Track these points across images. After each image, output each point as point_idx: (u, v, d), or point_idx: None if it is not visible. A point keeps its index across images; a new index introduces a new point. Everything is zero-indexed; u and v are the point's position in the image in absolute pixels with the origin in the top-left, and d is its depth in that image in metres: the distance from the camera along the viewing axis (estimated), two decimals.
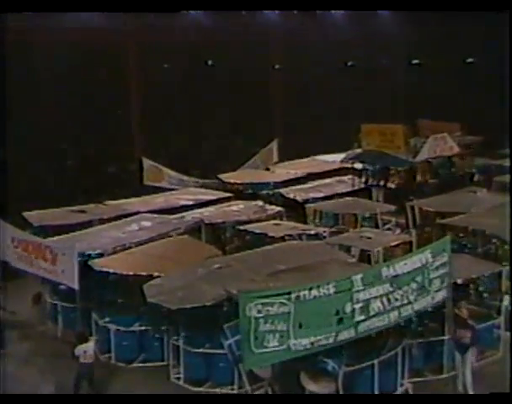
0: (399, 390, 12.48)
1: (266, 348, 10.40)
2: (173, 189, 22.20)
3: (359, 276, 11.10)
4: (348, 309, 10.95)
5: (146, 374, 13.51)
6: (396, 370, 12.50)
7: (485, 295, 14.78)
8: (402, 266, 11.54)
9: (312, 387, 11.70)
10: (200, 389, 12.91)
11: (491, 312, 14.30)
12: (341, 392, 11.71)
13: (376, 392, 12.03)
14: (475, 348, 12.71)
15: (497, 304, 14.51)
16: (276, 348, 10.48)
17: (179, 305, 12.40)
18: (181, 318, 12.98)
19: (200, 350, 12.93)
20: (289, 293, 10.50)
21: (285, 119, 31.11)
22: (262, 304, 10.31)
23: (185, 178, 23.76)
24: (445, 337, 13.07)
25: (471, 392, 12.43)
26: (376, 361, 12.04)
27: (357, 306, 11.01)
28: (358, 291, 11.01)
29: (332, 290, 10.79)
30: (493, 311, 14.35)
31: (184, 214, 18.50)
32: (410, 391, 12.57)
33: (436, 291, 12.01)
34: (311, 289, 10.64)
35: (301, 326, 10.60)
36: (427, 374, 13.21)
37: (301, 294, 10.57)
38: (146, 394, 11.86)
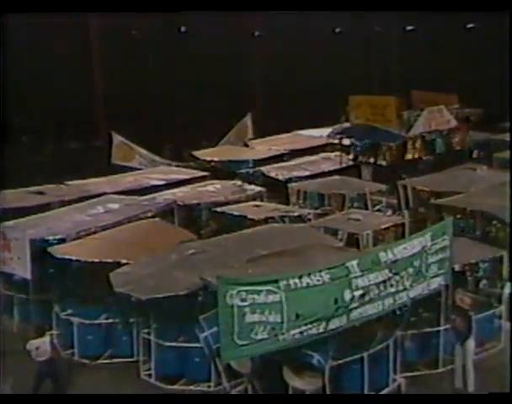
0: (391, 386, 12.55)
1: (253, 340, 10.39)
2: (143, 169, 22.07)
3: (354, 262, 11.11)
4: (347, 296, 10.99)
5: (114, 371, 13.43)
6: (387, 364, 12.54)
7: (484, 281, 14.90)
8: (402, 250, 11.58)
9: (296, 383, 11.72)
10: (174, 386, 12.88)
11: (491, 301, 14.40)
12: (328, 388, 11.72)
13: (366, 388, 12.08)
14: (473, 339, 12.76)
15: (497, 291, 14.62)
16: (263, 340, 10.48)
17: (150, 294, 12.34)
18: (152, 309, 12.92)
19: (173, 344, 12.87)
20: (276, 281, 10.49)
21: (266, 92, 31.05)
22: (246, 291, 10.29)
23: (157, 158, 23.61)
24: (441, 328, 13.15)
25: (471, 388, 12.52)
26: (365, 354, 12.05)
27: (357, 294, 11.05)
28: (356, 277, 11.05)
29: (326, 278, 10.80)
30: (494, 300, 14.46)
31: (154, 195, 18.44)
32: (403, 387, 12.63)
33: (433, 277, 12.08)
34: (301, 277, 10.65)
35: (298, 317, 10.61)
36: (421, 368, 13.28)
37: (291, 282, 10.56)
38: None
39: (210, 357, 12.26)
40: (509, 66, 20.78)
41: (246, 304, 10.30)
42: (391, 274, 11.39)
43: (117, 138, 23.70)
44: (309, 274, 10.68)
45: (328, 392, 11.71)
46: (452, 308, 13.22)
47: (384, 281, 11.36)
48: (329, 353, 11.76)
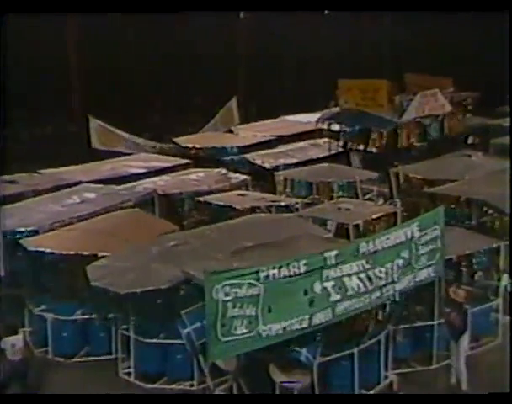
0: (382, 383, 12.59)
1: (234, 335, 10.40)
2: (126, 154, 21.95)
3: (333, 252, 11.13)
4: (317, 288, 10.98)
5: (91, 369, 13.38)
6: (378, 360, 12.58)
7: (480, 273, 14.96)
8: (384, 241, 11.59)
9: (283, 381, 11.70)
10: (154, 385, 12.86)
11: (487, 293, 14.47)
12: (316, 386, 11.74)
13: (356, 385, 12.11)
14: (468, 334, 12.81)
15: (494, 284, 14.69)
16: (245, 336, 10.49)
17: (129, 289, 12.31)
18: (131, 304, 12.87)
19: (154, 340, 12.83)
20: (257, 272, 10.50)
21: (251, 75, 30.97)
22: (230, 285, 10.30)
23: (140, 140, 23.49)
24: (435, 323, 13.20)
25: (464, 385, 12.57)
26: (355, 350, 12.08)
27: (328, 285, 11.04)
28: (329, 268, 11.06)
29: (303, 269, 10.82)
30: (490, 293, 14.53)
31: (134, 183, 18.37)
32: (395, 384, 12.68)
33: (420, 269, 12.09)
34: (280, 267, 10.67)
35: (270, 310, 10.61)
36: (414, 364, 13.34)
37: (270, 273, 10.59)
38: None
39: (192, 354, 12.23)
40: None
41: (229, 298, 10.33)
42: (369, 265, 11.39)
43: (94, 122, 23.55)
44: (288, 264, 10.72)
45: (316, 390, 11.72)
46: (447, 302, 13.27)
47: (363, 272, 11.35)
48: (318, 349, 11.79)
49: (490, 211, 16.50)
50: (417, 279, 12.11)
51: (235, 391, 12.05)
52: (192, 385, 12.71)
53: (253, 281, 10.46)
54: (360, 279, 11.37)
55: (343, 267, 11.17)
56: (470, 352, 13.06)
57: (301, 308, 10.89)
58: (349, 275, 11.25)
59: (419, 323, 13.26)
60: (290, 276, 10.72)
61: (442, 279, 12.92)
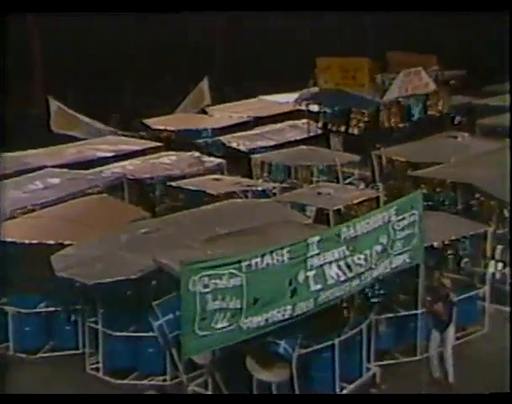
0: (365, 375, 12.66)
1: (214, 329, 10.36)
2: (86, 139, 21.78)
3: (315, 238, 11.14)
4: (301, 277, 10.99)
5: (56, 365, 13.32)
6: (360, 352, 12.65)
7: (466, 260, 15.08)
8: (364, 225, 11.63)
9: (261, 374, 11.75)
10: (124, 381, 12.84)
11: (473, 281, 14.59)
12: (296, 379, 11.78)
13: (337, 378, 12.17)
14: (454, 325, 12.90)
15: (480, 271, 14.81)
16: (225, 330, 10.46)
17: (97, 279, 12.25)
18: (99, 295, 12.83)
19: (124, 334, 12.80)
20: (239, 261, 10.45)
21: (225, 53, 30.85)
22: (208, 276, 10.22)
23: (102, 126, 23.27)
24: (419, 312, 13.28)
25: (451, 378, 12.67)
26: (336, 341, 12.13)
27: (311, 274, 11.07)
28: (312, 256, 11.07)
29: (286, 257, 10.82)
30: (476, 280, 14.65)
31: (101, 168, 18.26)
32: (378, 376, 12.77)
33: (396, 255, 12.14)
34: (263, 255, 10.63)
35: (255, 302, 10.59)
36: (397, 355, 13.42)
37: (253, 262, 10.54)
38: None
39: (165, 347, 12.23)
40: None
41: (208, 290, 10.24)
42: (349, 252, 11.42)
43: (54, 104, 23.29)
44: (271, 252, 10.69)
45: (295, 383, 11.76)
46: (432, 290, 13.36)
47: (343, 259, 11.39)
48: (297, 341, 11.80)
49: (477, 195, 16.59)
50: (393, 265, 12.14)
51: (210, 386, 12.06)
52: (165, 380, 12.71)
53: (234, 271, 10.39)
54: (340, 266, 11.39)
55: (325, 254, 11.19)
56: (456, 342, 13.15)
57: (284, 298, 10.88)
58: (331, 263, 11.28)
59: (403, 312, 13.33)
60: (274, 265, 10.70)
61: (422, 266, 13.01)
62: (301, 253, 11.00)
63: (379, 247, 11.79)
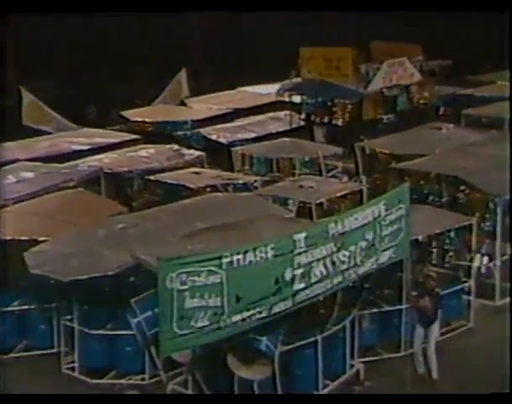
0: (348, 372, 12.72)
1: (193, 328, 10.33)
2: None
3: (302, 235, 11.10)
4: (288, 276, 10.96)
5: (30, 365, 13.28)
6: (343, 348, 12.71)
7: (451, 254, 15.17)
8: (353, 221, 11.62)
9: (242, 372, 11.76)
10: (101, 380, 12.83)
11: (458, 275, 14.69)
12: (278, 376, 11.81)
13: (320, 375, 12.22)
14: (439, 321, 12.98)
15: (465, 264, 14.91)
16: (204, 329, 10.43)
17: (73, 276, 12.22)
18: (75, 293, 12.80)
19: (101, 332, 12.79)
20: (219, 258, 10.40)
21: (204, 41, 30.75)
22: (186, 273, 10.18)
23: (73, 126, 23.05)
24: (403, 307, 13.36)
25: (435, 374, 12.75)
26: (319, 337, 12.18)
27: (298, 272, 11.04)
28: (300, 254, 11.04)
29: (270, 254, 10.76)
30: (461, 274, 14.75)
31: (77, 161, 18.18)
32: (361, 373, 12.83)
33: (383, 250, 12.16)
34: (246, 252, 10.58)
35: (238, 300, 10.56)
36: (381, 351, 13.51)
37: (235, 258, 10.49)
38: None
39: (143, 345, 12.22)
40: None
41: (186, 287, 10.20)
42: (336, 248, 11.42)
43: (27, 96, 23.11)
44: (254, 249, 10.65)
45: (278, 380, 11.79)
46: (417, 285, 13.43)
47: (329, 256, 11.39)
48: (279, 337, 11.83)
49: (462, 187, 16.69)
50: (379, 262, 12.17)
51: (190, 384, 12.07)
52: (143, 379, 12.73)
53: (213, 268, 10.34)
54: (326, 263, 11.37)
55: (313, 251, 11.16)
56: (440, 338, 13.24)
57: (269, 297, 10.84)
58: (319, 260, 11.25)
59: (387, 308, 13.40)
60: (257, 262, 10.65)
61: (408, 261, 13.07)
62: (287, 250, 10.95)
63: (366, 243, 11.78)
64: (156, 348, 11.84)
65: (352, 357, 12.89)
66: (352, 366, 12.85)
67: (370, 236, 11.84)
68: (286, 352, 11.96)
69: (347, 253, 11.58)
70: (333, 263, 11.46)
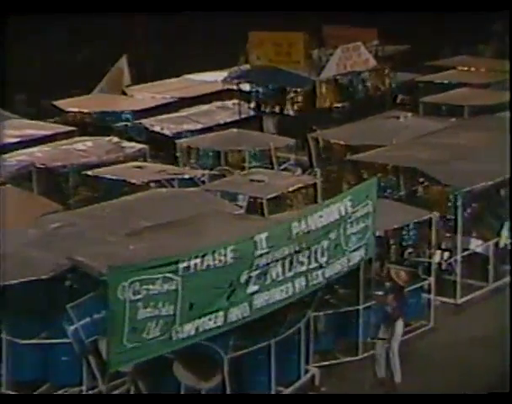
0: (303, 378, 12.73)
1: (144, 340, 10.23)
2: None
3: (264, 235, 11.00)
4: (243, 278, 10.91)
5: None
6: (298, 352, 12.72)
7: (410, 250, 15.29)
8: (317, 219, 11.58)
9: (189, 381, 11.69)
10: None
11: (417, 272, 14.82)
12: (228, 385, 11.76)
13: (273, 382, 12.21)
14: (403, 321, 13.06)
15: (425, 261, 15.05)
16: (156, 340, 10.34)
17: (2, 280, 11.91)
18: (4, 299, 12.45)
19: (33, 341, 12.55)
20: (176, 262, 10.29)
21: (147, 27, 30.53)
22: (140, 281, 10.04)
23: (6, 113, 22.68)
24: (361, 307, 13.43)
25: (398, 376, 12.82)
26: (272, 341, 12.16)
27: (254, 274, 11.00)
28: (261, 255, 10.97)
29: (230, 256, 10.69)
30: (421, 271, 14.89)
31: (5, 155, 17.86)
32: (317, 378, 12.85)
33: (353, 251, 12.18)
34: (204, 256, 10.49)
35: (191, 308, 10.48)
36: (338, 355, 13.56)
37: (192, 263, 10.39)
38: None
39: (81, 354, 12.06)
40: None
41: (139, 297, 10.09)
42: (301, 249, 11.39)
43: None
44: (213, 252, 10.57)
45: (228, 388, 11.75)
46: (379, 283, 13.51)
47: (294, 258, 11.36)
48: (229, 343, 11.78)
49: (421, 179, 16.84)
50: (350, 263, 12.21)
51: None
52: (81, 391, 12.52)
53: (169, 274, 10.23)
54: (287, 265, 11.33)
55: (275, 253, 11.10)
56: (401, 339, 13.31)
57: (222, 302, 10.79)
58: (279, 261, 11.20)
59: (344, 308, 13.45)
60: (215, 266, 10.56)
61: (373, 260, 13.15)
62: (248, 252, 10.87)
63: (326, 243, 11.75)
64: (94, 357, 11.73)
65: (307, 362, 12.90)
66: (307, 371, 12.85)
67: (333, 235, 11.81)
68: (237, 358, 11.91)
69: (311, 254, 11.55)
70: (296, 265, 11.41)
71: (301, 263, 11.52)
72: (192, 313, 10.54)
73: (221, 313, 10.84)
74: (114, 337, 10.13)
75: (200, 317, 10.65)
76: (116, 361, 10.38)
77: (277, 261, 11.20)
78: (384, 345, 12.95)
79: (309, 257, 11.60)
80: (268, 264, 11.10)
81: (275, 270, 11.27)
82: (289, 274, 11.43)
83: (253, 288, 11.09)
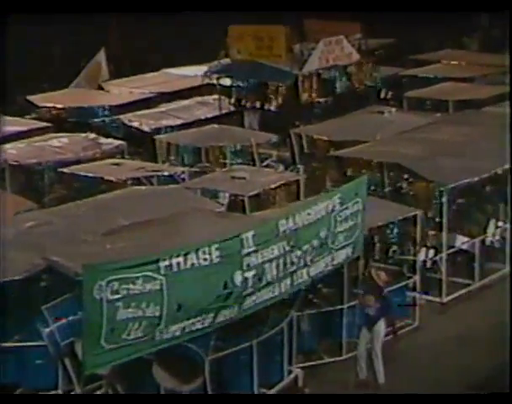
0: (286, 379, 12.72)
1: (124, 341, 10.16)
2: None
3: (250, 233, 10.98)
4: (238, 279, 10.86)
5: None
6: (281, 353, 12.70)
7: (395, 248, 15.31)
8: (305, 217, 11.56)
9: (169, 383, 11.65)
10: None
11: (402, 270, 14.84)
12: (209, 386, 11.73)
13: (256, 383, 12.18)
14: (384, 320, 13.07)
15: (410, 259, 15.07)
16: (137, 341, 10.27)
17: None
18: None
19: (7, 344, 12.42)
20: (156, 261, 10.22)
21: (124, 20, 30.40)
22: (118, 280, 9.95)
23: None
24: (345, 307, 13.44)
25: (381, 377, 12.85)
26: (254, 342, 12.12)
27: (249, 275, 10.95)
28: (249, 254, 10.93)
29: (215, 255, 10.63)
30: (405, 269, 14.91)
31: None
32: (300, 379, 12.84)
33: (340, 249, 12.18)
34: (187, 254, 10.42)
35: (179, 309, 10.42)
36: (322, 355, 13.57)
37: (174, 262, 10.31)
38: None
39: (56, 357, 12.00)
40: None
41: (118, 296, 9.99)
42: (289, 248, 11.37)
43: None
44: (196, 250, 10.51)
45: (209, 391, 11.71)
46: (361, 282, 13.51)
47: (282, 257, 11.34)
48: (210, 343, 11.73)
49: (405, 176, 16.88)
50: (335, 262, 12.19)
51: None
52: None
53: (150, 273, 10.15)
54: (277, 264, 11.30)
55: (263, 251, 11.07)
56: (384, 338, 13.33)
57: (212, 303, 10.73)
58: (270, 261, 11.18)
59: (327, 308, 13.45)
60: (200, 265, 10.51)
61: (361, 258, 13.15)
62: (234, 251, 10.83)
63: (316, 242, 11.73)
64: (71, 360, 11.67)
65: (290, 362, 12.88)
66: (290, 372, 12.83)
67: (323, 233, 11.80)
68: (218, 359, 11.87)
69: (298, 253, 11.52)
70: (284, 265, 11.38)
71: (291, 262, 11.50)
72: (180, 314, 10.48)
73: (211, 315, 10.81)
74: (90, 338, 10.03)
75: (188, 319, 10.60)
76: (92, 363, 10.27)
77: (269, 260, 11.18)
78: (366, 346, 12.96)
79: (299, 257, 11.57)
80: (261, 264, 11.08)
81: (268, 270, 11.24)
82: (279, 274, 11.41)
83: (249, 290, 11.06)
